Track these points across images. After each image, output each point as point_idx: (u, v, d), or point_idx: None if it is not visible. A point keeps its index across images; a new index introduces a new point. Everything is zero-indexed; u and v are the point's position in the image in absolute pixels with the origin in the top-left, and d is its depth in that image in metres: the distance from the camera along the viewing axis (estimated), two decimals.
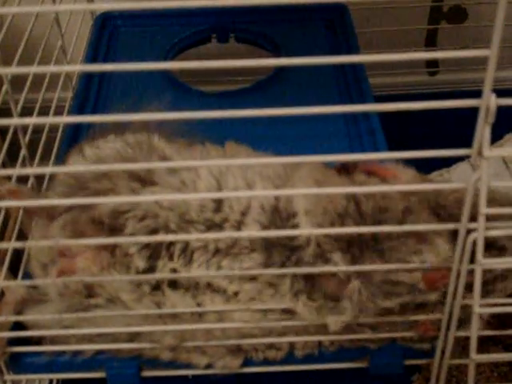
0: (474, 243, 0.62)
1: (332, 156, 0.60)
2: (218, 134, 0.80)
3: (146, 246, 0.71)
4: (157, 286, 0.71)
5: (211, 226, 0.70)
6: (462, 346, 0.73)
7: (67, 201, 0.69)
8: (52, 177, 0.82)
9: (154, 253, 0.70)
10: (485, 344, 0.99)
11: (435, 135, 1.14)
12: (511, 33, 1.30)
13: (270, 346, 0.73)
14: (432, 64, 1.41)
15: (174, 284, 0.71)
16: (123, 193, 0.72)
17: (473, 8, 1.34)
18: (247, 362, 0.75)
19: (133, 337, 0.73)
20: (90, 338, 0.74)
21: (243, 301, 0.70)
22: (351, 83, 1.07)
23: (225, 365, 0.74)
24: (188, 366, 0.75)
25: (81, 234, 0.71)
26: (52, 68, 0.66)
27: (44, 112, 0.93)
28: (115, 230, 0.71)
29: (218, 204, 0.71)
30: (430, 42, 1.41)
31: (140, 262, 0.70)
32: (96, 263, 0.71)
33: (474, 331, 0.65)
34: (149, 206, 0.71)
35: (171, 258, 0.70)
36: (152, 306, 0.71)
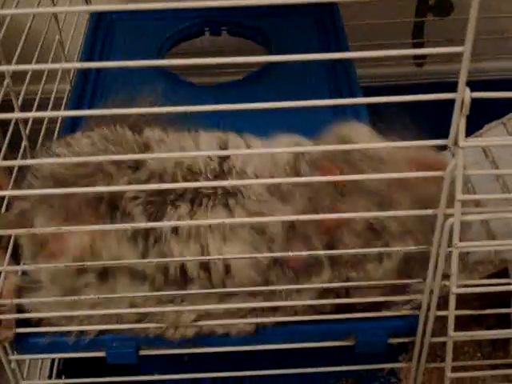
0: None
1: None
2: (210, 125, 0.84)
3: (150, 202, 0.73)
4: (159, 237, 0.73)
5: (218, 176, 0.74)
6: (446, 327, 0.76)
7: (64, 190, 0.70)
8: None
9: (158, 210, 0.73)
10: (468, 324, 1.03)
11: (423, 123, 1.17)
12: (493, 25, 1.35)
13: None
14: (419, 56, 1.43)
15: (176, 231, 0.73)
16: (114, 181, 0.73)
17: (459, 0, 1.38)
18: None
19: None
20: (90, 318, 0.77)
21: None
22: (340, 74, 1.09)
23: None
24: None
25: (74, 216, 0.72)
26: (50, 65, 0.69)
27: (44, 103, 0.96)
28: (115, 198, 0.73)
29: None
30: (417, 34, 1.43)
31: (143, 220, 0.72)
32: (89, 233, 0.72)
33: (452, 310, 0.69)
34: (155, 166, 0.74)
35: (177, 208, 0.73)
36: (158, 257, 0.72)
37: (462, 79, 0.57)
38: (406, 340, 0.79)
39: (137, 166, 0.75)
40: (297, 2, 0.56)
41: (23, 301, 0.77)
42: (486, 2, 1.31)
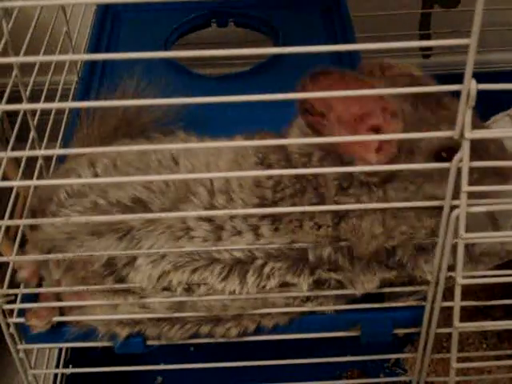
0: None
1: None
2: (216, 115, 0.85)
3: None
4: None
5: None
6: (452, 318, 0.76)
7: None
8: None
9: None
10: (474, 316, 1.03)
11: None
12: (500, 16, 1.35)
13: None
14: (426, 47, 1.43)
15: None
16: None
17: None
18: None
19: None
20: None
21: None
22: (346, 66, 1.09)
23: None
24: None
25: (82, 280, 0.75)
26: (58, 57, 0.70)
27: (51, 94, 0.96)
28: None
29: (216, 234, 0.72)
30: (424, 26, 1.43)
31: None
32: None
33: (457, 301, 0.70)
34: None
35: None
36: None
37: (468, 71, 0.57)
38: (411, 331, 0.79)
39: None
40: None
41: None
42: None
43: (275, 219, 0.71)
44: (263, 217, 0.71)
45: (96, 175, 0.76)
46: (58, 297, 0.79)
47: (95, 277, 0.74)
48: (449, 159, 0.63)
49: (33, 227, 0.77)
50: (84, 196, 0.74)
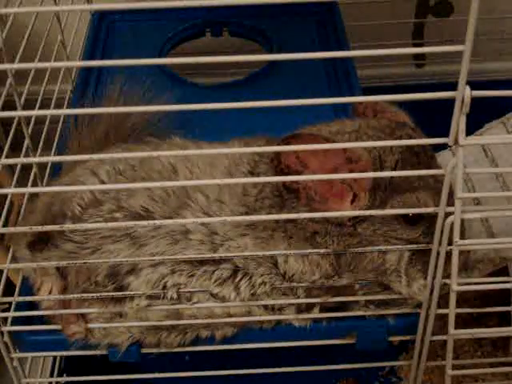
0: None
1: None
2: (211, 124, 0.85)
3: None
4: None
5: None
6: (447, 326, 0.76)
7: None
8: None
9: None
10: (469, 324, 1.04)
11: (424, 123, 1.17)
12: (495, 26, 1.35)
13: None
14: (419, 56, 1.44)
15: None
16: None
17: (459, 1, 1.38)
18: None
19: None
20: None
21: None
22: (340, 75, 1.10)
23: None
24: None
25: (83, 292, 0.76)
26: (53, 64, 0.70)
27: (46, 104, 0.96)
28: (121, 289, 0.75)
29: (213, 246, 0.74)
30: (417, 35, 1.44)
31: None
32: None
33: (452, 308, 0.69)
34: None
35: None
36: None
37: (463, 78, 0.57)
38: (406, 338, 0.79)
39: None
40: (298, 0, 0.56)
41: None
42: (488, 3, 1.32)
43: (254, 227, 0.73)
44: (248, 226, 0.73)
45: (103, 183, 0.77)
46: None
47: (97, 288, 0.75)
48: (416, 221, 0.70)
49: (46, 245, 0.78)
50: (100, 204, 0.76)
